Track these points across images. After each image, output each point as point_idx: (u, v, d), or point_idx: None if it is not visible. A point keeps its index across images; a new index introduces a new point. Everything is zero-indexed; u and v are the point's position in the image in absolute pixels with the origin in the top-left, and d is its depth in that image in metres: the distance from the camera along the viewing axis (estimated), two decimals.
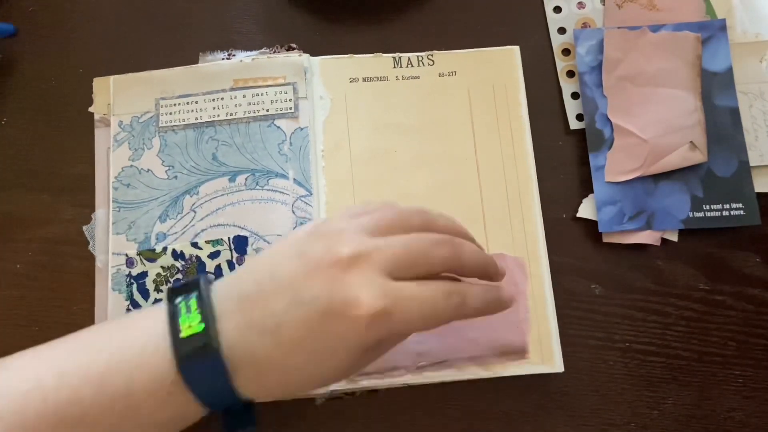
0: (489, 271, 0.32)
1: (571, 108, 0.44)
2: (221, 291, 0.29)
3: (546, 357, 0.38)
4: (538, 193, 0.41)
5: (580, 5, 0.46)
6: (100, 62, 0.43)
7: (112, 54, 0.44)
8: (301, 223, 0.40)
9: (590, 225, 0.42)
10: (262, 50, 0.44)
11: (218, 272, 0.39)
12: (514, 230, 0.40)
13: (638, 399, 0.39)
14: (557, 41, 0.45)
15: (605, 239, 0.41)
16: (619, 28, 0.44)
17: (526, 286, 0.39)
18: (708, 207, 0.41)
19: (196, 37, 0.45)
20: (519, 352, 0.38)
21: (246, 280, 0.29)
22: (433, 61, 0.43)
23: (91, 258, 0.40)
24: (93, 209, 0.41)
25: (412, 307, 0.28)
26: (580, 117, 0.44)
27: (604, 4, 0.46)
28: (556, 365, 0.38)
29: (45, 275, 0.41)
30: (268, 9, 0.46)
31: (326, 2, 0.46)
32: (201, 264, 0.39)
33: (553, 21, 0.46)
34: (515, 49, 0.44)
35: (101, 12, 0.46)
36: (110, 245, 0.40)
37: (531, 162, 0.41)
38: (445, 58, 0.43)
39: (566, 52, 0.45)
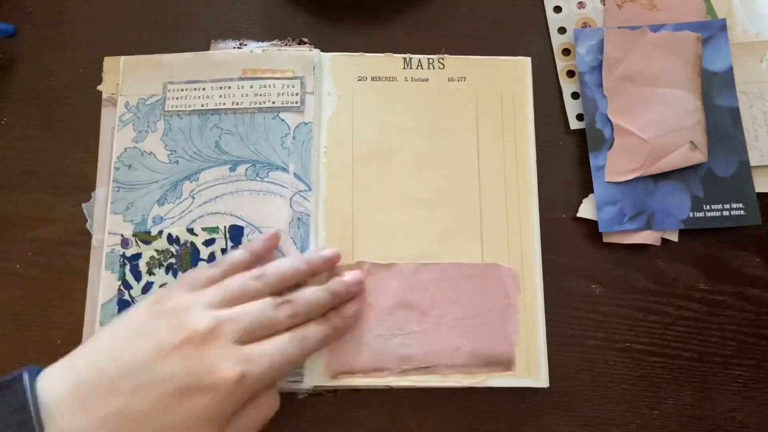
0: (337, 300, 0.36)
1: (572, 108, 0.44)
2: (51, 383, 0.28)
3: (532, 370, 0.38)
4: (537, 203, 0.41)
5: (581, 5, 0.46)
6: (101, 62, 0.43)
7: (112, 53, 0.44)
8: (298, 218, 0.40)
9: (590, 225, 0.42)
10: (274, 42, 0.44)
11: (211, 260, 0.39)
12: (510, 241, 0.40)
13: (638, 399, 0.39)
14: (557, 41, 0.45)
15: (605, 239, 0.41)
16: (619, 27, 0.44)
17: (518, 299, 0.39)
18: (708, 207, 0.41)
19: (198, 37, 0.45)
20: (505, 364, 0.38)
21: (82, 366, 0.29)
22: (443, 64, 0.43)
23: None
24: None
25: (264, 362, 0.31)
26: (580, 117, 0.44)
27: (604, 4, 0.46)
28: (542, 380, 0.38)
29: (45, 275, 0.41)
30: (269, 8, 0.46)
31: (326, 2, 0.46)
32: (195, 250, 0.39)
33: (554, 21, 0.46)
34: (526, 60, 0.43)
35: (101, 12, 0.46)
36: (107, 224, 0.40)
37: (533, 174, 0.41)
38: (456, 63, 0.43)
39: (566, 51, 0.45)
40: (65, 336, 0.40)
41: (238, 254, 0.36)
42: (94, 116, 0.42)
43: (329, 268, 0.38)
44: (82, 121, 0.43)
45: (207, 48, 0.44)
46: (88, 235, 0.41)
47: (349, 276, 0.37)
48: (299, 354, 0.33)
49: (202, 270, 0.35)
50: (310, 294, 0.35)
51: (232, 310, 0.32)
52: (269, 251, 0.38)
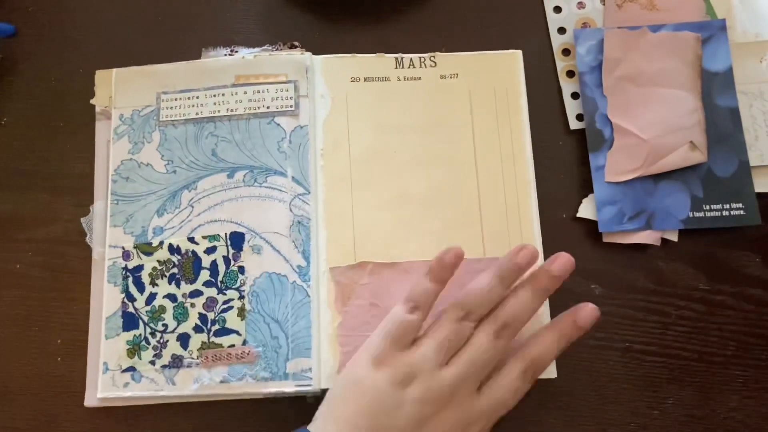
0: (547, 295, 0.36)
1: (571, 108, 0.44)
2: None
3: None
4: (536, 197, 0.41)
5: (580, 5, 0.46)
6: (100, 61, 0.43)
7: (112, 53, 0.44)
8: (299, 222, 0.40)
9: (590, 225, 0.42)
10: (265, 47, 0.44)
11: (213, 267, 0.39)
12: (510, 235, 0.40)
13: (638, 399, 0.39)
14: (557, 41, 0.45)
15: (605, 239, 0.41)
16: (619, 28, 0.44)
17: None
18: (708, 207, 0.41)
19: (197, 37, 0.45)
20: None
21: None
22: (435, 62, 0.43)
23: (91, 257, 0.40)
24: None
25: (501, 407, 0.34)
26: (580, 117, 0.44)
27: (604, 4, 0.46)
28: (549, 371, 0.38)
29: (45, 275, 0.41)
30: (268, 8, 0.46)
31: (326, 2, 0.46)
32: (197, 259, 0.39)
33: (553, 21, 0.46)
34: (518, 53, 0.43)
35: (101, 11, 0.46)
36: (107, 237, 0.40)
37: (530, 166, 0.41)
38: (447, 60, 0.43)
39: (566, 52, 0.45)
40: (65, 336, 0.40)
41: (426, 287, 0.34)
42: (94, 116, 0.42)
43: (528, 268, 0.35)
44: (81, 121, 0.43)
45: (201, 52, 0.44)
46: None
47: (556, 264, 0.35)
48: (531, 382, 0.34)
49: (399, 319, 0.34)
50: (518, 306, 0.34)
51: (461, 363, 0.33)
52: (451, 270, 0.35)
